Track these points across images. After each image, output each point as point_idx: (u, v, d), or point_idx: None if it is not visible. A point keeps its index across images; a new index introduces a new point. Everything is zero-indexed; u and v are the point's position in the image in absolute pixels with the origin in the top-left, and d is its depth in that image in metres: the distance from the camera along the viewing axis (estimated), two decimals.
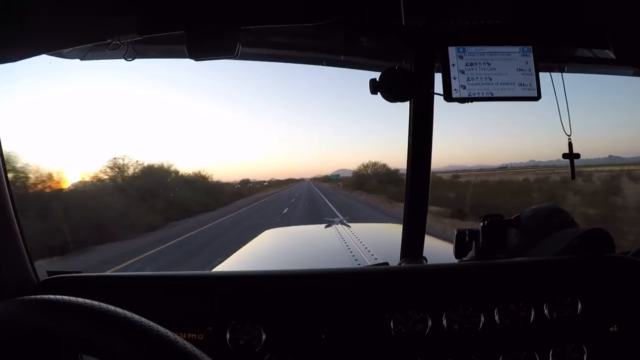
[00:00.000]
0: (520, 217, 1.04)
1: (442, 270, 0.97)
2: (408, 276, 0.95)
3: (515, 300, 0.88)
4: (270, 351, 0.83)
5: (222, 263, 1.74)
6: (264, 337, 0.83)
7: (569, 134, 1.14)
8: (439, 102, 1.15)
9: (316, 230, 2.58)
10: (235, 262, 1.81)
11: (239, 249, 2.01)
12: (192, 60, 0.94)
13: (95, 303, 0.42)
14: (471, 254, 1.05)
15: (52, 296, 0.43)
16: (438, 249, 1.66)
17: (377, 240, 2.06)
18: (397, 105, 1.08)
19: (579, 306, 0.89)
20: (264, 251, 2.11)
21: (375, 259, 1.50)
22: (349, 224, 2.38)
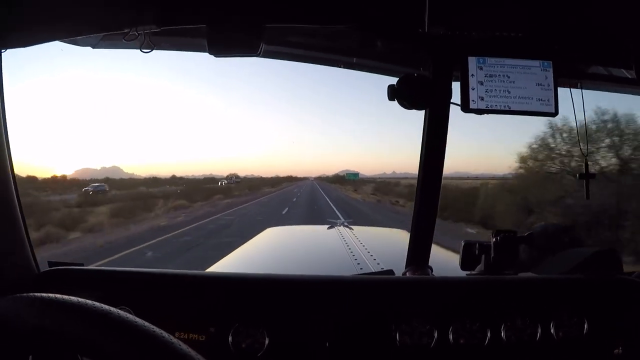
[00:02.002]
0: (533, 235, 1.03)
1: (450, 282, 0.96)
2: (416, 287, 0.94)
3: (523, 317, 0.87)
4: (273, 356, 0.82)
5: (223, 260, 1.73)
6: (267, 341, 0.82)
7: (585, 154, 1.12)
8: (452, 110, 1.14)
9: (319, 231, 2.57)
10: (237, 260, 1.80)
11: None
12: (203, 53, 0.92)
13: (89, 302, 0.42)
14: (480, 267, 1.04)
15: (50, 295, 0.42)
16: (443, 258, 1.65)
17: (380, 245, 2.05)
18: (409, 111, 1.07)
19: (585, 326, 0.88)
20: (266, 250, 2.10)
21: (378, 264, 1.49)
22: (352, 227, 2.37)
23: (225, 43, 0.80)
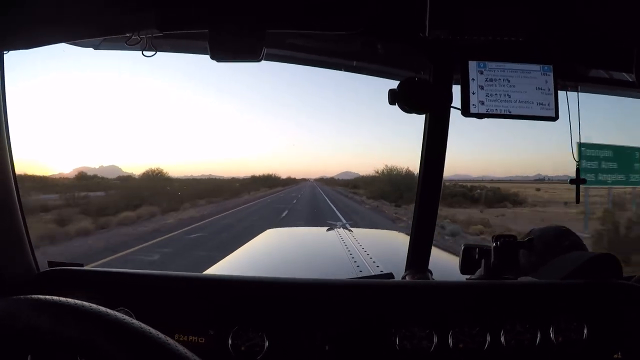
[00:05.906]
0: (533, 240, 1.03)
1: (450, 287, 0.96)
2: (416, 291, 0.94)
3: (522, 322, 0.87)
4: (272, 359, 0.82)
5: (222, 261, 1.73)
6: (266, 344, 0.82)
7: (577, 159, 1.12)
8: (452, 113, 1.14)
9: (318, 233, 2.57)
10: (236, 262, 1.80)
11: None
12: (205, 55, 0.93)
13: (86, 304, 0.42)
14: (479, 271, 1.04)
15: (48, 297, 0.43)
16: (442, 261, 1.65)
17: (380, 248, 2.05)
18: (411, 114, 1.07)
19: (585, 331, 0.88)
20: (266, 252, 2.10)
21: (378, 267, 1.49)
22: (352, 229, 2.37)
23: (227, 48, 0.80)
